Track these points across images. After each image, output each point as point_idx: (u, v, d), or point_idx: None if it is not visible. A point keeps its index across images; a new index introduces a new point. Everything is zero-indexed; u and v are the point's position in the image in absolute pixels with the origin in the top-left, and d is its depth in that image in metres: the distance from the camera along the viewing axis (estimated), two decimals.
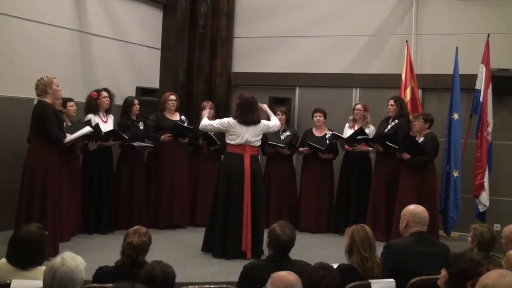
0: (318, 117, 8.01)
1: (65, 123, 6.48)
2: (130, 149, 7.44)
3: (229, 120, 6.45)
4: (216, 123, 6.55)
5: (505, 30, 7.81)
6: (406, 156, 7.16)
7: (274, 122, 6.67)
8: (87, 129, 6.42)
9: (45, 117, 5.74)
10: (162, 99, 7.89)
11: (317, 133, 8.04)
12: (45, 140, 5.81)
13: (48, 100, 5.79)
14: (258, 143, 6.55)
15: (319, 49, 9.06)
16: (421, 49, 8.43)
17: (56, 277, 2.88)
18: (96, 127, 6.88)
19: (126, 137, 7.17)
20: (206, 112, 7.12)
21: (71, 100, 6.90)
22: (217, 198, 6.45)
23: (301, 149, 8.06)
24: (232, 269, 5.51)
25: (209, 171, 8.00)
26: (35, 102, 5.83)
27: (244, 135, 6.36)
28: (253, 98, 6.53)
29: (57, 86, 5.88)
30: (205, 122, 6.66)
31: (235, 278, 4.09)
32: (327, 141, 7.91)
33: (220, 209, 6.36)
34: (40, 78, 5.81)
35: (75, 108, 6.91)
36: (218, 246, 6.31)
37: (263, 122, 6.54)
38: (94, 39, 8.08)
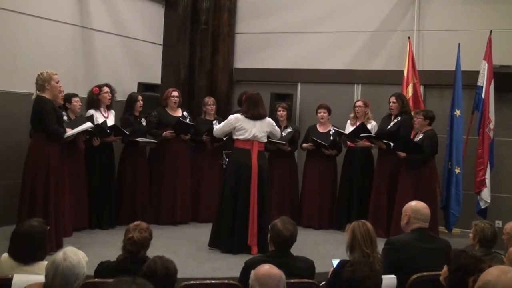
0: (322, 113, 8.00)
1: (66, 117, 6.51)
2: (133, 145, 7.44)
3: (235, 115, 6.52)
4: (223, 124, 6.64)
5: (507, 27, 7.79)
6: (402, 154, 7.16)
7: (278, 129, 6.94)
8: (88, 124, 6.44)
9: (43, 112, 5.75)
10: (165, 95, 7.88)
11: (321, 129, 8.04)
12: (46, 135, 5.82)
13: (46, 95, 5.79)
14: (265, 139, 6.61)
15: (321, 45, 9.05)
16: (423, 46, 8.41)
17: (58, 272, 2.89)
18: (103, 124, 6.93)
19: (127, 133, 7.17)
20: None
21: (75, 95, 6.90)
22: (224, 193, 6.47)
23: (304, 145, 8.06)
24: (234, 265, 5.51)
25: (211, 167, 8.02)
26: (34, 96, 5.84)
27: (252, 130, 6.41)
28: (258, 94, 6.63)
29: (57, 83, 5.87)
30: (215, 128, 6.86)
31: (236, 273, 4.10)
32: (331, 137, 7.91)
33: (227, 204, 6.39)
34: (40, 73, 5.82)
35: (80, 103, 6.92)
36: (225, 241, 6.34)
37: (269, 119, 6.63)
38: (96, 34, 8.07)
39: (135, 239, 3.67)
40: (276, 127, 6.81)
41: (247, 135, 6.41)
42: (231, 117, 6.57)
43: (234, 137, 6.53)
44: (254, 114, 6.44)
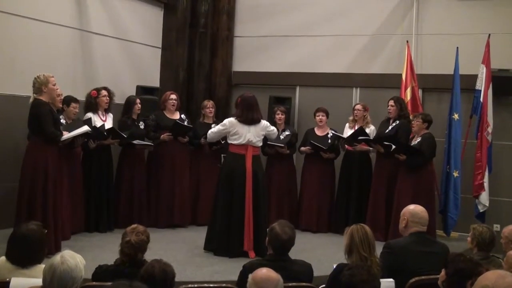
0: (320, 117, 8.01)
1: (63, 121, 6.50)
2: (131, 148, 7.44)
3: (230, 120, 6.45)
4: (217, 128, 6.58)
5: (506, 31, 7.81)
6: (402, 157, 7.17)
7: (274, 128, 6.76)
8: (85, 128, 6.43)
9: (40, 115, 5.73)
10: (163, 98, 7.88)
11: (319, 132, 8.05)
12: (44, 138, 5.80)
13: (43, 98, 5.77)
14: (260, 143, 6.55)
15: (319, 48, 9.06)
16: (421, 49, 8.42)
17: (55, 275, 2.88)
18: (101, 127, 6.92)
19: (125, 136, 7.17)
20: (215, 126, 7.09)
21: (76, 101, 6.88)
22: (218, 198, 6.44)
23: (303, 148, 8.06)
24: (232, 269, 5.49)
25: (210, 170, 8.00)
26: (31, 100, 5.83)
27: (246, 135, 6.34)
28: (253, 97, 6.52)
29: (54, 85, 5.86)
30: (208, 132, 6.76)
31: (234, 277, 4.09)
32: (329, 141, 7.91)
33: (221, 209, 6.35)
34: (37, 76, 5.80)
35: (77, 110, 6.89)
36: (220, 245, 6.31)
37: (264, 122, 6.55)
38: (95, 37, 8.06)
39: (132, 242, 3.66)
40: (271, 128, 6.64)
41: (241, 140, 6.35)
42: (225, 121, 6.50)
43: (229, 141, 6.48)
44: (248, 119, 6.36)
